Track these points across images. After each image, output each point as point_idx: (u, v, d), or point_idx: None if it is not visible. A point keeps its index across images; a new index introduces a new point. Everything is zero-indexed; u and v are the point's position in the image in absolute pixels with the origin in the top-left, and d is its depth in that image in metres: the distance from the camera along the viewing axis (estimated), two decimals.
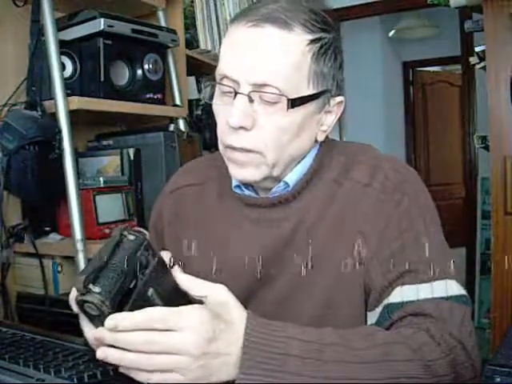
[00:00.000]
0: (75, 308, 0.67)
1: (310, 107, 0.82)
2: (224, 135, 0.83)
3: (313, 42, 0.80)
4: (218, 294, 0.67)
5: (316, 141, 0.87)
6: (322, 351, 0.66)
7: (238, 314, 0.66)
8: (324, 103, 0.84)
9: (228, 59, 0.81)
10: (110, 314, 0.61)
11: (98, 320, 0.64)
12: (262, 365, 0.63)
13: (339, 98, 0.86)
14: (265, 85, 0.78)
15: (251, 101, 0.79)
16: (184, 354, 0.61)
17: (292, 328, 0.67)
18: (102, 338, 0.62)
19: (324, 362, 0.65)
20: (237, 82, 0.79)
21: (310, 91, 0.81)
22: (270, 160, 0.82)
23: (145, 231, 0.67)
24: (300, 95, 0.79)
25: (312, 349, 0.66)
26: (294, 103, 0.79)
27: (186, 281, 0.68)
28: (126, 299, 0.63)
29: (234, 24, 0.82)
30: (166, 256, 0.70)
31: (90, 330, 0.68)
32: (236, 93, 0.79)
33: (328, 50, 0.82)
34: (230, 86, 0.80)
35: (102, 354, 0.63)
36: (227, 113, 0.80)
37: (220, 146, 0.86)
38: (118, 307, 0.63)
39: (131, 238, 0.65)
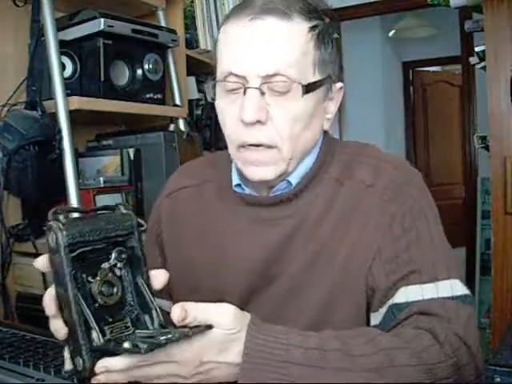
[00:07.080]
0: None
1: (319, 93, 0.82)
2: (237, 133, 0.81)
3: (312, 29, 0.81)
4: (222, 323, 0.63)
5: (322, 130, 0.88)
6: (324, 358, 0.65)
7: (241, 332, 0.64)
8: (328, 90, 0.85)
9: (231, 56, 0.80)
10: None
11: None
12: (263, 372, 0.63)
13: (339, 85, 0.87)
14: (276, 74, 0.77)
15: (262, 93, 0.78)
16: (177, 376, 0.62)
17: (293, 334, 0.67)
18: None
19: (325, 369, 0.64)
20: (244, 77, 0.78)
21: (316, 78, 0.81)
22: (286, 154, 0.81)
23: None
24: (308, 82, 0.80)
25: (313, 356, 0.65)
26: (308, 88, 0.79)
27: (192, 310, 0.62)
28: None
29: (231, 20, 0.81)
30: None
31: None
32: (246, 88, 0.78)
33: (325, 37, 0.83)
34: (237, 83, 0.79)
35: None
36: (237, 110, 0.79)
37: (231, 148, 0.84)
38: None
39: None
